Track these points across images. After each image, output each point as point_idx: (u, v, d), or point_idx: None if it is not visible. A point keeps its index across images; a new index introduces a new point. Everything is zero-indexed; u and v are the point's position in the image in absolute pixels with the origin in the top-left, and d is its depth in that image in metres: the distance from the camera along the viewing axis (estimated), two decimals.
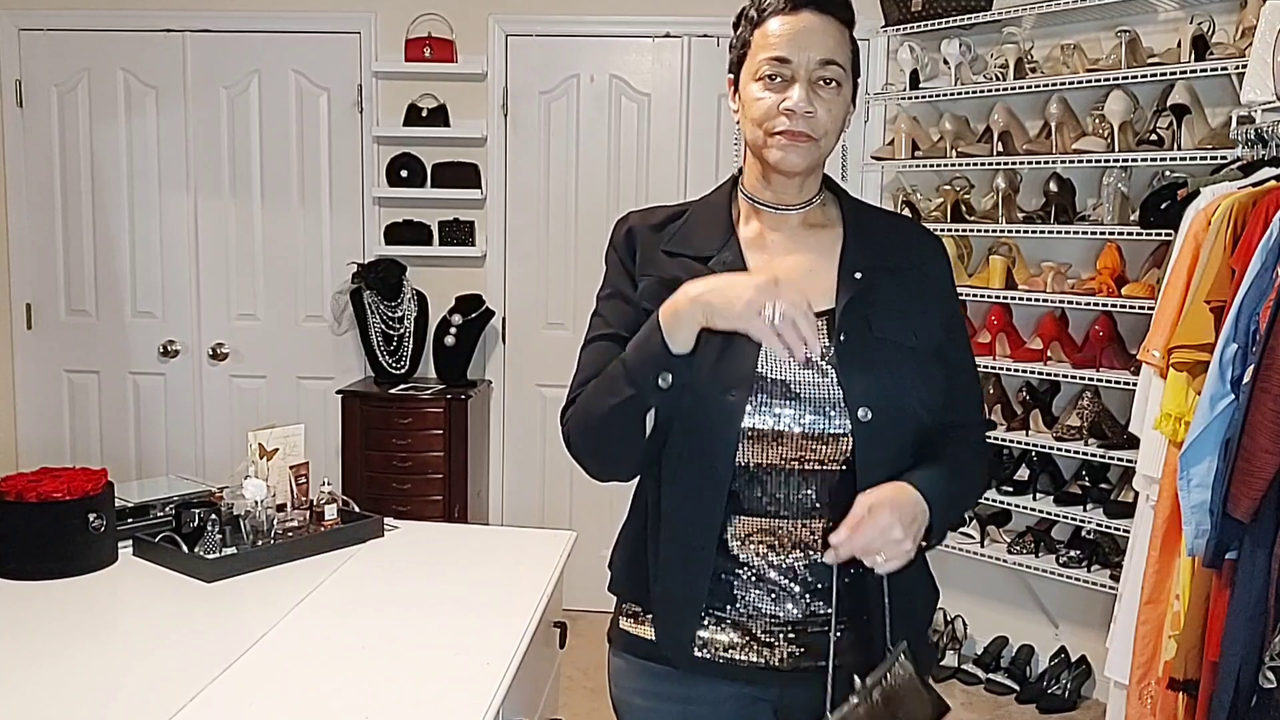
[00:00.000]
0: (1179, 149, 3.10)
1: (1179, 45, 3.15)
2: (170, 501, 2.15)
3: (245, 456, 2.10)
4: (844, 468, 1.34)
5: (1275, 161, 2.54)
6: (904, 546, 1.27)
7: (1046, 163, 3.41)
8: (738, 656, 1.39)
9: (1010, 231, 3.56)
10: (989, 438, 1.61)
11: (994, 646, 3.73)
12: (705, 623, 1.39)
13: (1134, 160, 3.19)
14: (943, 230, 3.66)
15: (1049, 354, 3.45)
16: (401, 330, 4.08)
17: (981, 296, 3.56)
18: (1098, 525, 3.30)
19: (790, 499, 1.35)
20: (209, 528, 1.97)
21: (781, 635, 1.38)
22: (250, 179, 4.20)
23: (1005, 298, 3.49)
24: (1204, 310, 2.33)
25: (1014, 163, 3.51)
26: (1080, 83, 3.32)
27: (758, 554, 1.37)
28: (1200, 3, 3.21)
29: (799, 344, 1.21)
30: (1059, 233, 3.39)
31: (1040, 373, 3.43)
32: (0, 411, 4.28)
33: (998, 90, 3.50)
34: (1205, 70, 3.00)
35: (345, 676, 1.53)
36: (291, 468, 2.12)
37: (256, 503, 2.01)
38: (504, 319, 4.20)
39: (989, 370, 3.54)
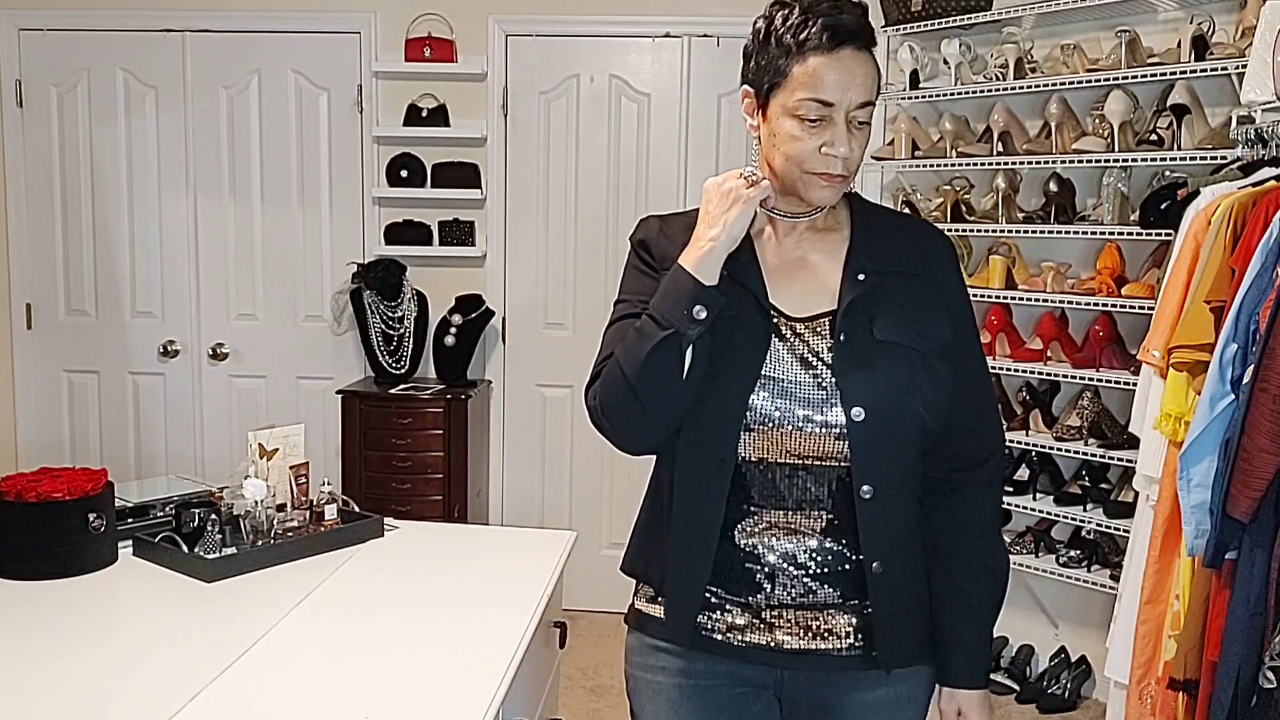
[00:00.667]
0: (1179, 149, 3.10)
1: (1179, 45, 3.15)
2: (170, 501, 2.15)
3: (245, 456, 2.10)
4: (844, 464, 1.38)
5: (1275, 161, 2.54)
6: None
7: (1046, 163, 3.41)
8: (741, 638, 1.44)
9: (1010, 231, 3.56)
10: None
11: (994, 646, 3.73)
12: (712, 604, 1.44)
13: (1134, 160, 3.19)
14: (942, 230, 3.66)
15: (1049, 354, 3.45)
16: (401, 330, 4.08)
17: (981, 296, 3.56)
18: (1098, 525, 3.30)
19: (793, 492, 1.40)
20: (209, 528, 1.97)
21: (783, 618, 1.42)
22: (250, 179, 4.20)
23: (1005, 298, 3.49)
24: (1204, 310, 2.33)
25: (1014, 163, 3.51)
26: (1080, 83, 3.32)
27: (763, 542, 1.41)
28: (1200, 3, 3.21)
29: (762, 188, 1.38)
30: (1059, 233, 3.39)
31: (1040, 373, 3.43)
32: (0, 411, 4.29)
33: (998, 90, 3.50)
34: (1205, 70, 3.00)
35: (345, 676, 1.53)
36: (291, 468, 2.12)
37: (256, 503, 2.01)
38: (504, 319, 4.20)
39: (989, 370, 3.53)
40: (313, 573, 1.95)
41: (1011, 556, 3.49)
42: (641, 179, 4.09)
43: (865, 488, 1.37)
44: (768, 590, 1.42)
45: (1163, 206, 3.06)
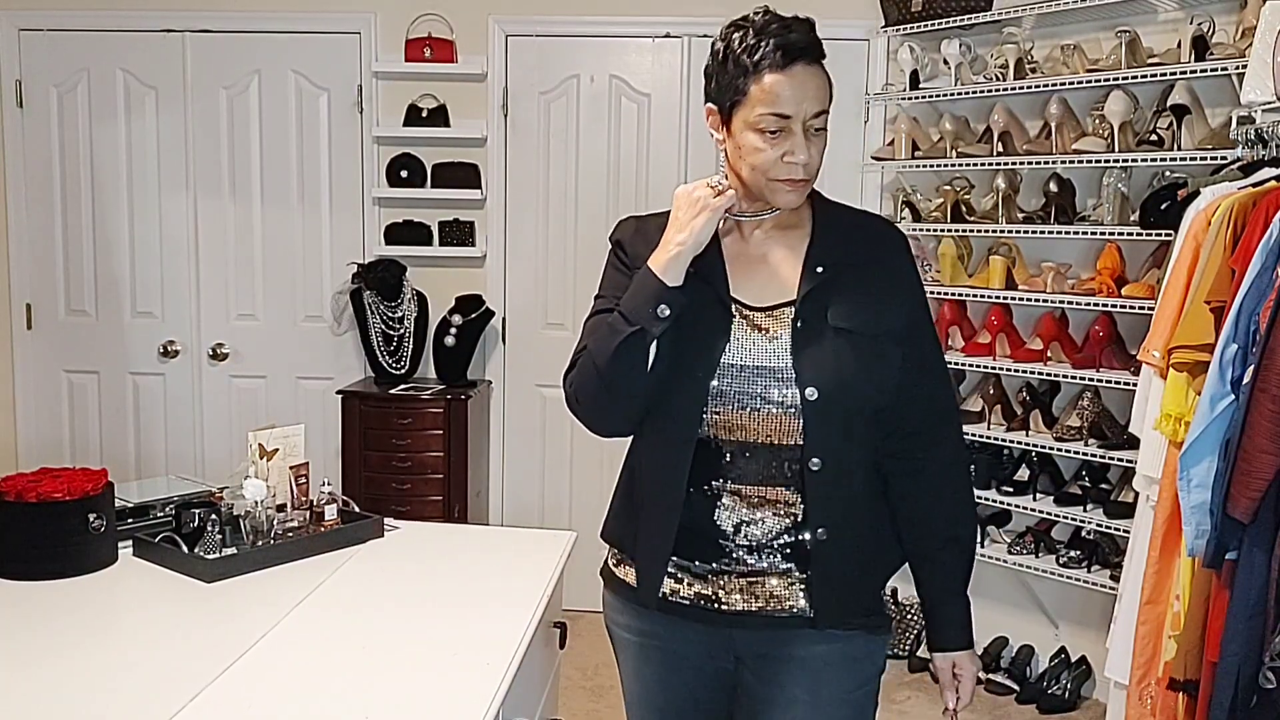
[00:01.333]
0: (1179, 149, 3.10)
1: (1179, 45, 3.15)
2: (170, 501, 2.14)
3: (245, 456, 2.10)
4: (799, 441, 1.52)
5: (1275, 162, 2.54)
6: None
7: (1046, 163, 3.41)
8: (698, 602, 1.58)
9: (1010, 231, 3.56)
10: (964, 432, 1.85)
11: (994, 647, 3.73)
12: (672, 571, 1.59)
13: (1134, 160, 3.19)
14: (943, 230, 3.66)
15: (1049, 354, 3.45)
16: (401, 330, 4.08)
17: (981, 296, 3.57)
18: (1098, 525, 3.30)
19: (751, 468, 1.54)
20: (209, 528, 1.97)
21: (734, 584, 1.57)
22: (250, 179, 4.20)
23: (1005, 298, 3.49)
24: (1204, 310, 2.33)
25: (1014, 163, 3.51)
26: (1080, 83, 3.32)
27: (722, 515, 1.55)
28: (1200, 3, 3.21)
29: (728, 197, 1.51)
30: (1059, 233, 3.39)
31: (1040, 373, 3.43)
32: (0, 411, 4.28)
33: (998, 90, 3.50)
34: (1205, 70, 3.00)
35: (345, 676, 1.53)
36: (291, 468, 2.12)
37: (256, 503, 2.01)
38: (504, 319, 4.20)
39: (989, 370, 3.54)
40: (313, 573, 1.95)
41: (1011, 556, 3.51)
42: (641, 179, 4.09)
43: (814, 460, 1.51)
44: (723, 558, 1.56)
45: (1163, 207, 3.06)
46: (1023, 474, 3.54)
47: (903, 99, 3.80)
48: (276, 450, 2.10)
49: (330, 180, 4.18)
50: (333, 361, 4.24)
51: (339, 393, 3.95)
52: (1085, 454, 3.30)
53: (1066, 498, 3.41)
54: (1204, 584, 2.28)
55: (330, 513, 2.13)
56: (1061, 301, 3.35)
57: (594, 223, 4.08)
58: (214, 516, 2.00)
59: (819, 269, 1.54)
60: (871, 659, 1.63)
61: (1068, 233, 3.38)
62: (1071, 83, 3.34)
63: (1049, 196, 3.46)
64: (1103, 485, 3.40)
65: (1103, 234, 3.30)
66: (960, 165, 3.64)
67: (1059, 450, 3.36)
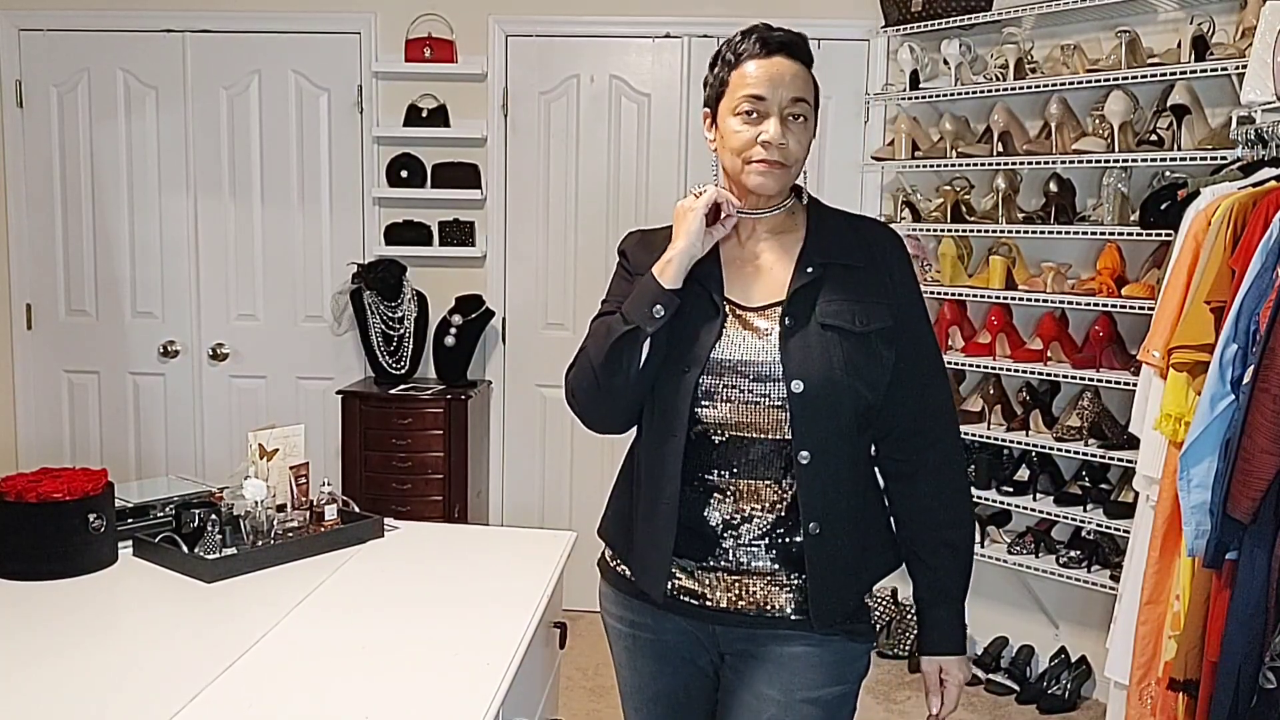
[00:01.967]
0: (1179, 149, 3.10)
1: (1179, 45, 3.15)
2: (170, 502, 2.15)
3: (245, 457, 2.10)
4: (787, 435, 1.55)
5: (1275, 162, 2.54)
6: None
7: (1046, 163, 3.42)
8: (687, 597, 1.62)
9: (1010, 232, 3.56)
10: (963, 434, 1.84)
11: (994, 647, 3.73)
12: (672, 569, 1.62)
13: (1134, 160, 3.19)
14: (943, 230, 3.66)
15: (1049, 354, 3.45)
16: (401, 330, 4.08)
17: (981, 296, 3.57)
18: (1098, 525, 3.30)
19: (741, 461, 1.57)
20: (209, 528, 1.97)
21: (722, 581, 1.60)
22: (250, 179, 4.20)
23: (1005, 298, 3.49)
24: (1204, 310, 2.33)
25: (1014, 163, 3.51)
26: (1080, 83, 3.32)
27: (713, 511, 1.59)
28: (1200, 3, 3.21)
29: (727, 202, 1.59)
30: (1059, 233, 3.39)
31: (1040, 373, 3.43)
32: (0, 411, 4.28)
33: (998, 90, 3.50)
34: (1205, 70, 3.00)
35: (345, 676, 1.53)
36: (291, 468, 2.12)
37: (256, 503, 2.01)
38: (504, 319, 4.20)
39: (989, 370, 3.54)
40: (313, 573, 1.95)
41: (1011, 556, 3.51)
42: (641, 179, 4.09)
43: (803, 453, 1.53)
44: (712, 555, 1.59)
45: (1163, 207, 3.06)
46: (1023, 474, 3.54)
47: (903, 99, 3.80)
48: (276, 450, 2.10)
49: (330, 180, 4.18)
50: (333, 361, 4.24)
51: (339, 393, 3.95)
52: (1085, 454, 3.30)
53: (1066, 498, 3.41)
54: (1204, 584, 2.28)
55: (330, 513, 2.13)
56: (1061, 301, 3.35)
57: (594, 222, 4.09)
58: (214, 516, 2.00)
59: (809, 269, 1.59)
60: (850, 664, 1.63)
61: (1068, 233, 3.38)
62: (1071, 83, 3.34)
63: (1049, 196, 3.46)
64: (1103, 485, 3.40)
65: (1103, 234, 3.30)
66: (960, 165, 3.64)
67: (1059, 450, 3.36)
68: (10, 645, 1.63)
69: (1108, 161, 3.25)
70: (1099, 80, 3.26)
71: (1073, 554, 3.41)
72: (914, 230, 3.74)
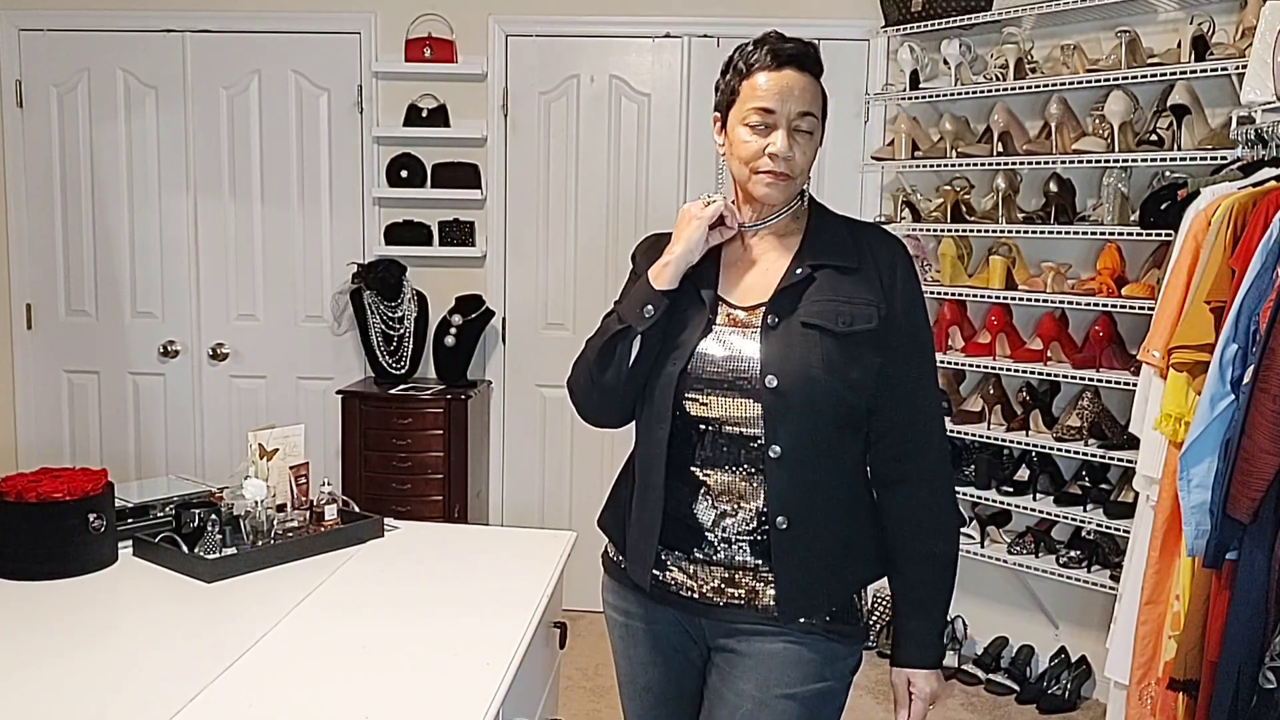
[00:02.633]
0: (1179, 149, 3.10)
1: (1179, 45, 3.15)
2: (170, 502, 2.15)
3: (245, 456, 2.10)
4: (761, 430, 1.58)
5: (1275, 162, 2.54)
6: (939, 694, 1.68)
7: (1046, 163, 3.42)
8: (676, 589, 1.66)
9: (1010, 232, 3.56)
10: (948, 430, 1.84)
11: (994, 647, 3.73)
12: (660, 558, 1.66)
13: (1134, 160, 3.19)
14: (943, 230, 3.66)
15: (1049, 354, 3.45)
16: (401, 330, 4.08)
17: (981, 296, 3.56)
18: (1098, 525, 3.30)
19: (722, 457, 1.61)
20: (209, 528, 1.97)
21: (706, 573, 1.63)
22: (250, 179, 4.20)
23: (1005, 298, 3.49)
24: (1204, 310, 2.33)
25: (1014, 163, 3.51)
26: (1080, 83, 3.32)
27: (698, 504, 1.63)
28: (1200, 3, 3.21)
29: (730, 216, 1.64)
30: (1059, 233, 3.39)
31: (1040, 373, 3.43)
32: (0, 411, 4.28)
33: (998, 90, 3.50)
34: (1205, 70, 3.00)
35: (345, 676, 1.53)
36: (291, 468, 2.12)
37: (256, 503, 2.01)
38: (504, 319, 4.20)
39: (989, 370, 3.54)
40: (313, 573, 1.95)
41: (1011, 556, 3.51)
42: (641, 179, 4.09)
43: (775, 448, 1.56)
44: (700, 548, 1.63)
45: (1163, 207, 3.06)
46: (1023, 474, 3.54)
47: (903, 99, 3.80)
48: (276, 450, 2.10)
49: (330, 180, 4.18)
50: (333, 361, 4.24)
51: (339, 393, 3.95)
52: (1085, 454, 3.30)
53: (1066, 498, 3.41)
54: (1204, 584, 2.28)
55: (330, 513, 2.13)
56: (1061, 301, 3.35)
57: (594, 223, 4.09)
58: (214, 516, 2.00)
59: (799, 270, 1.62)
60: (832, 663, 1.63)
61: (1068, 233, 3.38)
62: (1071, 83, 3.34)
63: (1049, 196, 3.46)
64: (1103, 485, 3.40)
65: (1103, 234, 3.30)
66: (960, 165, 3.64)
67: (1059, 450, 3.36)
68: (10, 645, 1.63)
69: (1108, 161, 3.25)
70: (1099, 80, 3.26)
71: (1073, 554, 3.41)
72: (914, 230, 3.74)
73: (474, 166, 4.09)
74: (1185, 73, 3.05)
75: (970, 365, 3.56)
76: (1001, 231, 3.57)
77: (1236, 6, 3.11)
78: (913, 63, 3.68)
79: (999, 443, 3.57)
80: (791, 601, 1.59)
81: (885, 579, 1.69)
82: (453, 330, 4.07)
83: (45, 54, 4.17)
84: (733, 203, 1.68)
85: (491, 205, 4.15)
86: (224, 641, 1.62)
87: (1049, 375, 3.44)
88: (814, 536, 1.59)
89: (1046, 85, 3.39)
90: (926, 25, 3.65)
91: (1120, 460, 3.21)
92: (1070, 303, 3.33)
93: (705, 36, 3.95)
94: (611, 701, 3.36)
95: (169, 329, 4.27)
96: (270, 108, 4.15)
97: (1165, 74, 3.10)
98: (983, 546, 3.60)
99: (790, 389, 1.56)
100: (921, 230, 3.74)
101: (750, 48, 1.62)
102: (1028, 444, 3.46)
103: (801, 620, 1.60)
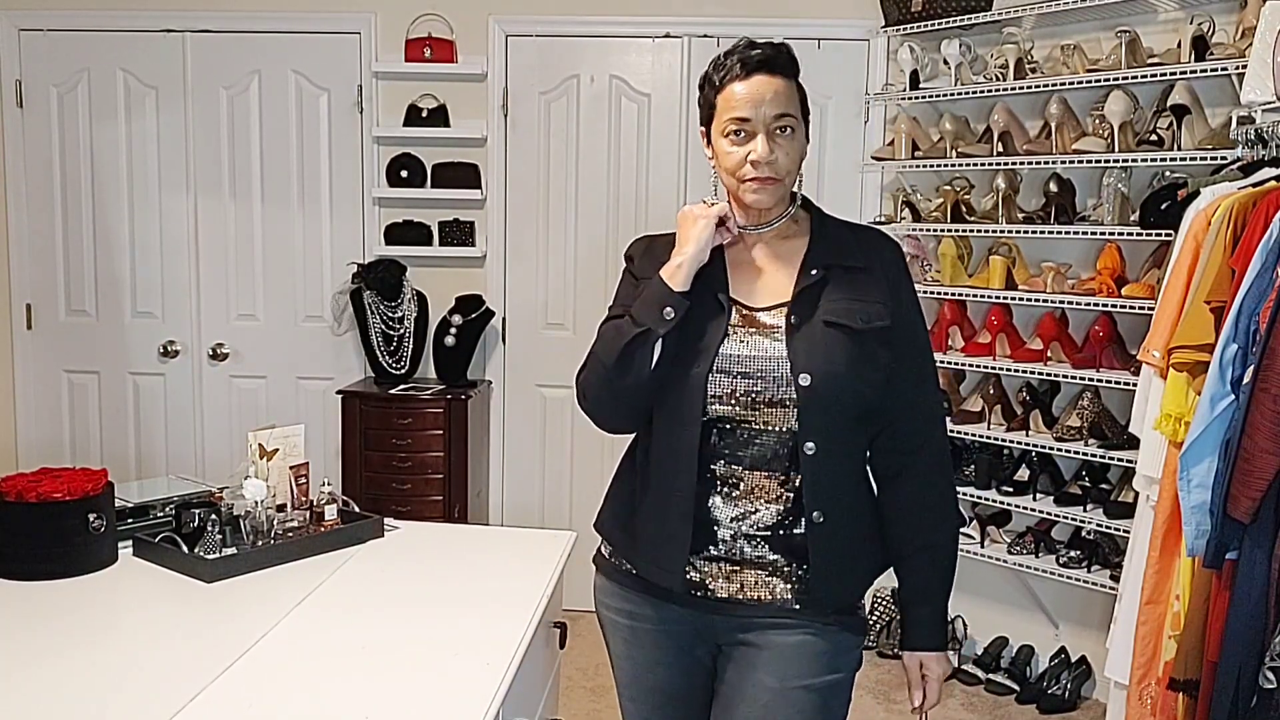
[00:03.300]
0: (1179, 149, 3.10)
1: (1179, 45, 3.15)
2: (170, 502, 2.15)
3: (245, 456, 2.10)
4: (794, 427, 1.60)
5: (1275, 162, 2.54)
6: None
7: (1046, 163, 3.41)
8: (688, 589, 1.66)
9: (1010, 231, 3.56)
10: (949, 430, 1.90)
11: (994, 647, 3.73)
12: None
13: (1134, 160, 3.19)
14: (943, 230, 3.66)
15: (1049, 354, 3.45)
16: (401, 330, 4.08)
17: (981, 296, 3.56)
18: (1098, 525, 3.30)
19: (751, 455, 1.62)
20: (209, 528, 1.98)
21: (724, 572, 1.65)
22: (250, 179, 4.20)
23: (1005, 298, 3.49)
24: (1204, 310, 2.33)
25: (1014, 163, 3.51)
26: (1080, 83, 3.32)
27: (720, 503, 1.63)
28: (1200, 3, 3.21)
29: (730, 219, 1.67)
30: (1059, 233, 3.39)
31: (1040, 373, 3.43)
32: (0, 411, 4.28)
33: (998, 90, 3.50)
34: (1205, 70, 3.00)
35: (345, 676, 1.53)
36: (291, 468, 2.12)
37: (256, 503, 2.01)
38: (504, 319, 4.20)
39: (989, 370, 3.54)
40: (313, 573, 1.95)
41: (1011, 556, 3.51)
42: (641, 179, 4.09)
43: (809, 445, 1.59)
44: (714, 546, 1.64)
45: (1163, 207, 3.06)
46: (1023, 474, 3.54)
47: (903, 99, 3.80)
48: (276, 450, 2.10)
49: (330, 180, 4.18)
50: (333, 361, 4.24)
51: (339, 393, 3.95)
52: (1085, 454, 3.30)
53: (1066, 498, 3.41)
54: (1204, 584, 2.28)
55: (330, 513, 2.13)
56: (1061, 301, 3.35)
57: (594, 222, 4.09)
58: (214, 516, 2.00)
59: (814, 271, 1.65)
60: (844, 653, 1.68)
61: (1068, 233, 3.38)
62: (1071, 83, 3.34)
63: (1049, 196, 3.46)
64: (1103, 485, 3.39)
65: (1103, 234, 3.30)
66: (960, 165, 3.64)
67: (1059, 450, 3.36)
68: (10, 645, 1.63)
69: (1108, 161, 3.25)
70: (1099, 80, 3.26)
71: (1073, 554, 3.41)
72: (914, 230, 3.74)
73: (474, 166, 4.09)
74: (1185, 73, 3.05)
75: (970, 365, 3.56)
76: (1001, 231, 3.57)
77: (1236, 6, 3.11)
78: (913, 63, 3.68)
79: (999, 443, 3.57)
80: (826, 595, 1.63)
81: (886, 572, 1.74)
82: (453, 330, 4.07)
83: (45, 54, 4.17)
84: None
85: (491, 205, 4.15)
86: (224, 641, 1.62)
87: (1049, 375, 3.44)
88: (844, 529, 1.63)
89: (1046, 85, 3.39)
90: (926, 25, 3.65)
91: (1120, 460, 3.21)
92: (1070, 303, 3.33)
93: (705, 36, 3.95)
94: (611, 701, 3.35)
95: (169, 329, 4.27)
96: (270, 108, 4.15)
97: (1165, 74, 3.10)
98: (983, 546, 3.60)
99: (822, 386, 1.59)
100: (921, 230, 3.74)
101: (721, 59, 1.65)
102: (1028, 444, 3.46)
103: (832, 613, 1.64)
